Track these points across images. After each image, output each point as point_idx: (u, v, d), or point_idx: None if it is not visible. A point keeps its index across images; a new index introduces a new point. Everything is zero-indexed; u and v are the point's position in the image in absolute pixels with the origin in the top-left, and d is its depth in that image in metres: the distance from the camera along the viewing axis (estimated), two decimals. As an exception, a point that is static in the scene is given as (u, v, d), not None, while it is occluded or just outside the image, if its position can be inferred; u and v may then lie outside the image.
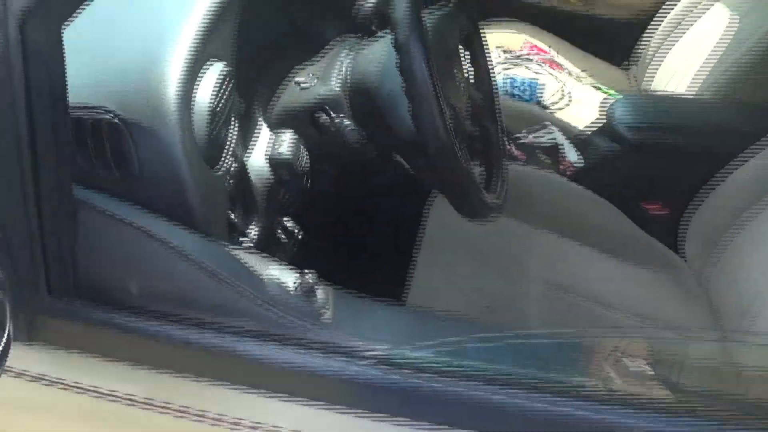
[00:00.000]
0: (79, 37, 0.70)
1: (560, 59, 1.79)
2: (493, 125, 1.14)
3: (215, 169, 0.72)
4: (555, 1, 1.93)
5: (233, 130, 0.78)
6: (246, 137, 0.92)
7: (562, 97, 1.63)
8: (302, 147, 0.91)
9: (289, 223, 0.96)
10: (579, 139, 1.48)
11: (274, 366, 0.62)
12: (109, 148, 0.65)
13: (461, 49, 1.10)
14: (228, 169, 0.75)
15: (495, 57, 1.73)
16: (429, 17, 1.00)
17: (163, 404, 0.65)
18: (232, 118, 0.78)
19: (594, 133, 1.43)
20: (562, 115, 1.58)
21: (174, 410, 0.65)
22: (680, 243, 1.28)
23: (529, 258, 1.22)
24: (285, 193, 0.92)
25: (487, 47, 1.16)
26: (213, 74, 0.72)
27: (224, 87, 0.73)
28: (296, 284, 0.65)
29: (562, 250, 1.24)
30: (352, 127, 0.89)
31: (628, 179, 1.37)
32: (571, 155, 1.47)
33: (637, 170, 1.36)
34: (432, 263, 1.19)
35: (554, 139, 1.49)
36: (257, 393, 0.64)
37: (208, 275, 0.62)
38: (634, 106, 1.35)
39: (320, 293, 0.66)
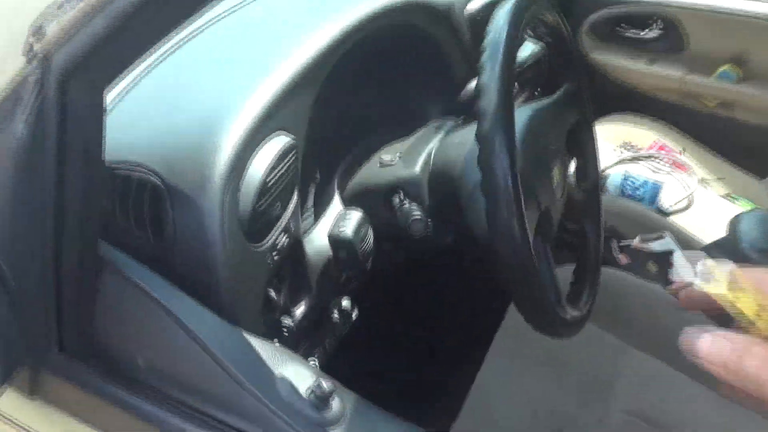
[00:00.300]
0: (147, 96, 0.69)
1: (692, 163, 1.62)
2: (592, 228, 1.02)
3: (258, 244, 0.67)
4: (691, 102, 1.77)
5: (291, 204, 0.73)
6: (316, 211, 0.87)
7: (688, 206, 1.46)
8: (368, 228, 0.84)
9: (345, 303, 0.89)
10: (698, 254, 1.30)
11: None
12: (147, 209, 0.62)
13: (565, 142, 1.01)
14: (274, 245, 0.70)
15: (617, 153, 1.60)
16: (531, 107, 0.92)
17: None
18: (293, 191, 0.73)
19: (714, 246, 1.25)
20: (685, 225, 1.41)
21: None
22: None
23: (615, 378, 1.07)
24: (344, 272, 0.86)
25: (597, 142, 1.05)
26: (274, 147, 0.68)
27: (284, 161, 0.69)
28: (309, 389, 0.57)
29: (655, 374, 1.07)
30: (417, 217, 0.81)
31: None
32: (683, 268, 1.29)
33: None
34: (498, 371, 1.07)
35: (669, 247, 1.32)
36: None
37: (216, 364, 0.56)
38: (763, 223, 1.16)
39: (336, 403, 0.57)
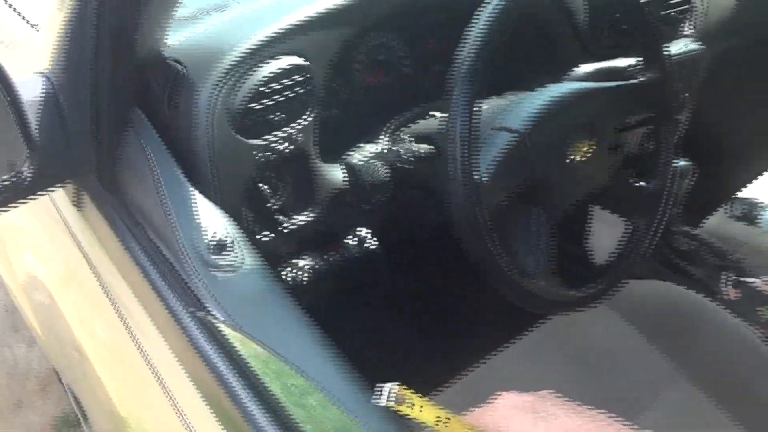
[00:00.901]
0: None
1: None
2: (642, 223, 0.95)
3: (249, 139, 0.80)
4: None
5: (299, 120, 0.84)
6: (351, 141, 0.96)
7: None
8: (382, 163, 0.91)
9: (363, 232, 0.97)
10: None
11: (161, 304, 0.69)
12: (169, 89, 0.80)
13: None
14: (268, 146, 0.82)
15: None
16: (593, 85, 0.90)
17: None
18: (304, 110, 0.85)
19: None
20: None
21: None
22: None
23: (649, 403, 0.96)
24: (360, 202, 0.94)
25: (672, 141, 0.95)
26: (281, 63, 0.80)
27: (288, 77, 0.80)
28: (212, 235, 0.69)
29: (698, 413, 0.94)
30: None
31: None
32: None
33: None
34: (518, 356, 1.04)
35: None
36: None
37: (164, 209, 0.72)
38: None
39: (232, 257, 0.69)
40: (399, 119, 1.00)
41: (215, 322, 0.63)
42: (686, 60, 1.22)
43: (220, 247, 0.68)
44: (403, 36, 1.04)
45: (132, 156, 0.78)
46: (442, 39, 1.07)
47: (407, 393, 0.47)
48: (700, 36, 1.26)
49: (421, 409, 0.47)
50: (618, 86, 0.91)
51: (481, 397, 0.92)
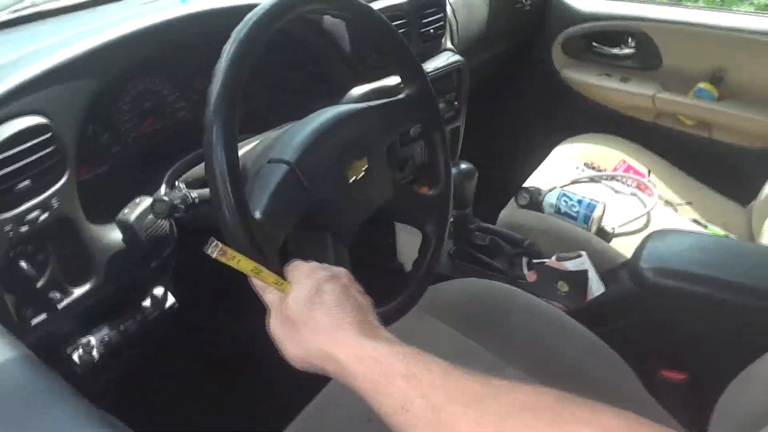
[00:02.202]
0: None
1: (660, 185, 1.48)
2: (434, 231, 0.96)
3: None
4: (667, 121, 1.62)
5: (54, 184, 0.75)
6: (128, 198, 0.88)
7: (642, 228, 1.33)
8: (153, 216, 0.84)
9: (157, 290, 0.90)
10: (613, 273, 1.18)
11: None
12: None
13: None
14: (21, 218, 0.72)
15: (578, 173, 1.50)
16: (355, 106, 0.90)
17: None
18: (60, 173, 0.76)
19: (621, 266, 1.12)
20: (620, 246, 1.27)
21: None
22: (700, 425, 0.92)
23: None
24: (139, 256, 0.86)
25: (446, 146, 1.00)
26: (16, 125, 0.71)
27: (27, 139, 0.71)
28: None
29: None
30: (160, 198, 0.80)
31: (639, 329, 1.03)
32: (596, 288, 1.17)
33: (652, 321, 1.02)
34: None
35: (584, 267, 1.21)
36: None
37: None
38: (667, 242, 1.03)
39: None
40: (178, 167, 0.95)
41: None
42: (452, 71, 1.31)
43: None
44: (170, 78, 0.99)
45: None
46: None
47: (229, 250, 0.56)
48: (459, 50, 1.36)
49: (238, 262, 0.57)
50: (381, 104, 0.91)
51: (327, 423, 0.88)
